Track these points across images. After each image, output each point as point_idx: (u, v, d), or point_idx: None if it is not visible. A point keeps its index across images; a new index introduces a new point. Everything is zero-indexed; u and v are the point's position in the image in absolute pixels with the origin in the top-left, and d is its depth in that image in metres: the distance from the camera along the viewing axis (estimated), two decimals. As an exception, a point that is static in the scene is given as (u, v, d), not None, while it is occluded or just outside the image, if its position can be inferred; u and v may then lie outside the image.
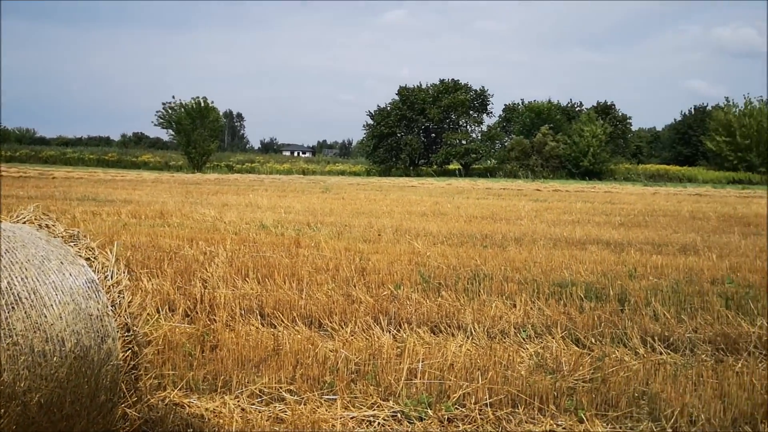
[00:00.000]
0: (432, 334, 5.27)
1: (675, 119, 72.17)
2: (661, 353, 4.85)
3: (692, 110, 68.70)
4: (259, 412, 3.71)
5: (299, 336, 5.03)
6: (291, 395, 3.93)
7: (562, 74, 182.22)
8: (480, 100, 61.09)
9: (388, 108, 60.16)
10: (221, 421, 3.60)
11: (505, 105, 68.00)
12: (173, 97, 60.80)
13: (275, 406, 3.79)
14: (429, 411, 3.75)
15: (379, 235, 10.86)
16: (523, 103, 65.69)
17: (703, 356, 4.78)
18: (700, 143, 60.65)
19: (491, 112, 62.94)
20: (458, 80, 61.26)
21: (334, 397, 3.91)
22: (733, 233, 12.81)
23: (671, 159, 66.25)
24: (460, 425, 3.63)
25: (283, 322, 5.44)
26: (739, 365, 4.51)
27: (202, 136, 56.03)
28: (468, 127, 61.23)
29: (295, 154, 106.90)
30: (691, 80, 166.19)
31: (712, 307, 5.91)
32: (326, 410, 3.75)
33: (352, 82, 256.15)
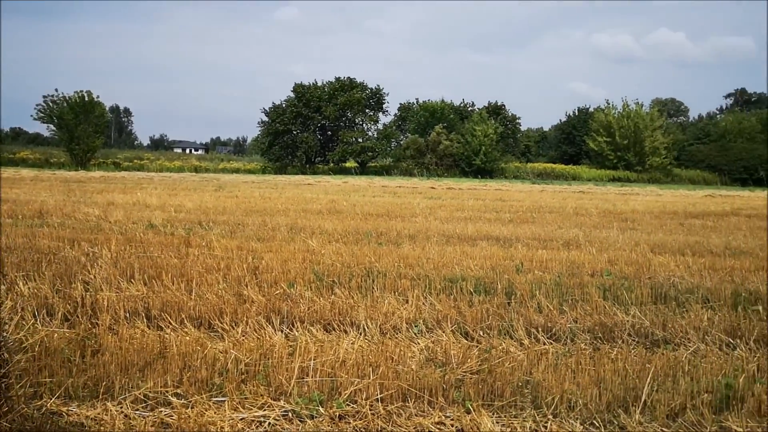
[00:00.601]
0: (325, 332, 5.26)
1: (560, 120, 75.51)
2: (544, 343, 5.06)
3: (576, 112, 72.09)
4: (144, 418, 3.58)
5: (188, 338, 4.89)
6: (178, 399, 3.81)
7: (454, 75, 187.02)
8: (376, 99, 61.58)
9: (284, 105, 59.51)
10: (102, 428, 3.45)
11: (400, 104, 69.00)
12: (56, 90, 57.40)
13: (161, 411, 3.67)
14: (320, 409, 3.74)
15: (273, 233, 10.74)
16: (417, 102, 66.81)
17: (582, 345, 5.03)
18: (583, 143, 63.76)
19: (387, 111, 63.65)
20: (354, 78, 61.54)
21: (222, 398, 3.83)
22: (612, 228, 13.57)
23: (557, 158, 69.29)
24: (351, 422, 3.65)
25: (171, 324, 5.27)
26: (615, 352, 4.78)
27: (86, 132, 53.40)
28: (364, 125, 61.60)
29: (187, 151, 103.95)
30: (574, 83, 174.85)
31: (591, 298, 6.23)
32: (214, 412, 3.67)
33: (244, 79, 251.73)
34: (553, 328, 5.38)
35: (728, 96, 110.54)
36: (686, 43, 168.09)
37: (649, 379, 4.03)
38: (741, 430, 3.53)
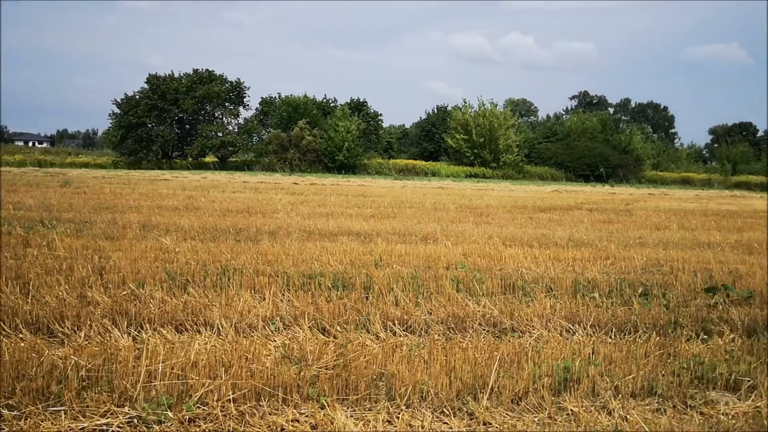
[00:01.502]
0: (177, 333, 5.06)
1: (421, 118, 77.52)
2: (400, 336, 5.16)
3: (435, 110, 74.29)
4: (-33, 435, 3.26)
5: (23, 344, 4.52)
6: (9, 411, 3.51)
7: (317, 70, 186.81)
8: (236, 93, 60.17)
9: (137, 97, 56.65)
10: None
11: (261, 98, 67.79)
12: None
13: (-12, 426, 3.36)
14: (169, 413, 3.58)
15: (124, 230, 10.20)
16: (279, 97, 66.03)
17: (436, 336, 5.17)
18: (442, 140, 65.85)
19: (248, 105, 62.36)
20: (213, 71, 59.79)
21: (60, 408, 3.57)
22: (468, 222, 14.11)
23: (418, 154, 71.08)
24: (202, 424, 3.53)
25: (4, 330, 4.86)
26: (466, 342, 4.96)
27: None
28: (224, 119, 60.03)
29: (30, 144, 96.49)
30: (434, 82, 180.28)
31: (445, 290, 6.43)
32: (51, 423, 3.42)
33: (95, 68, 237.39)
34: (409, 321, 5.49)
35: (573, 98, 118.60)
36: (535, 46, 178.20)
37: (496, 366, 4.21)
38: (576, 409, 3.77)
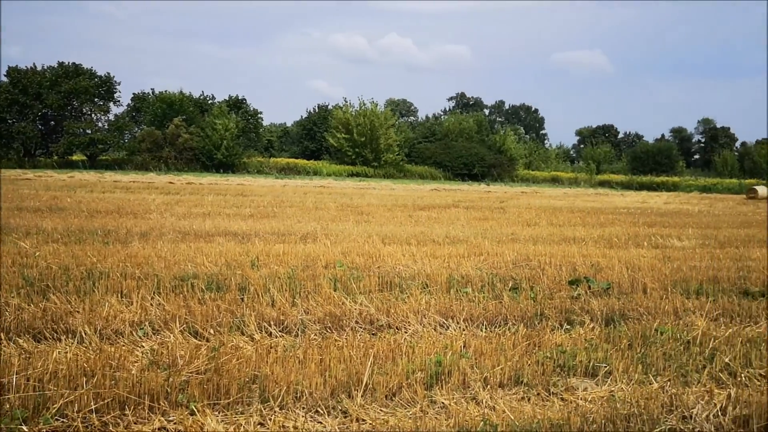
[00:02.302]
0: (35, 342, 4.73)
1: (302, 116, 77.09)
2: (275, 337, 5.09)
3: (316, 108, 74.18)
4: None
5: None
6: None
7: (193, 66, 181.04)
8: (105, 87, 57.31)
9: (-5, 91, 52.67)
10: None
11: (134, 94, 64.98)
12: None
13: None
14: (24, 427, 3.34)
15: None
16: (153, 93, 63.53)
17: (312, 335, 5.14)
18: (324, 139, 65.85)
19: (119, 101, 59.57)
20: (80, 64, 56.65)
21: None
22: (348, 221, 14.18)
23: (299, 153, 70.67)
24: (60, 438, 3.32)
25: None
26: (342, 340, 4.97)
27: None
28: (93, 115, 57.02)
29: None
30: (315, 80, 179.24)
31: (322, 289, 6.41)
32: None
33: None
34: (285, 321, 5.43)
35: (450, 99, 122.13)
36: (413, 48, 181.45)
37: (370, 363, 4.24)
38: (447, 401, 3.87)
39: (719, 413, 3.75)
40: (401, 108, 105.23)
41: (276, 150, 75.00)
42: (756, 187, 43.89)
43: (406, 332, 5.30)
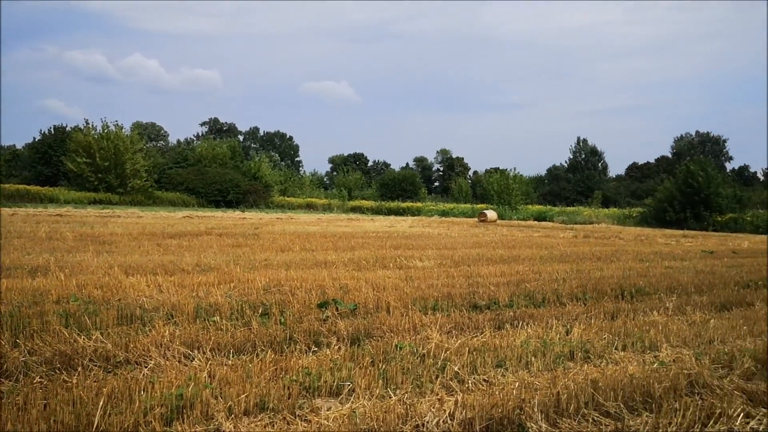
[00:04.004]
0: None
1: (35, 138, 70.11)
2: (-9, 384, 4.49)
3: (52, 130, 68.01)
4: None
5: None
6: None
7: None
8: None
9: None
10: None
11: None
12: None
13: None
14: None
15: None
16: None
17: (37, 378, 4.62)
18: (61, 163, 60.53)
19: None
20: None
21: None
22: (87, 252, 13.08)
23: (32, 179, 64.06)
24: None
25: None
26: (73, 381, 4.53)
27: None
28: None
29: None
30: (49, 99, 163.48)
31: (51, 326, 5.81)
32: None
33: None
34: (5, 365, 4.82)
35: (203, 124, 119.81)
36: (160, 70, 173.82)
37: (102, 403, 3.91)
38: (187, 436, 3.70)
39: (448, 418, 4.05)
40: (150, 132, 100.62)
41: (4, 175, 67.17)
42: (486, 211, 49.08)
43: (146, 367, 4.99)
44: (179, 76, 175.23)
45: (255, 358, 5.32)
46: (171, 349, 5.41)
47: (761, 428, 4.20)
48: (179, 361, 5.21)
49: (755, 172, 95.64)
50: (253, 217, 39.67)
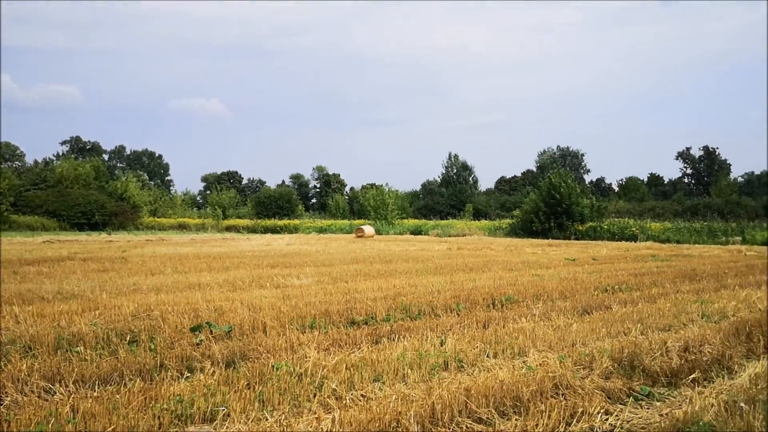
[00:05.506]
0: None
1: None
2: None
3: None
4: None
5: None
6: None
7: None
8: None
9: None
10: None
11: None
12: None
13: None
14: None
15: None
16: None
17: None
18: None
19: None
20: None
21: None
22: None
23: None
24: None
25: None
26: None
27: None
28: None
29: None
30: None
31: None
32: None
33: None
34: None
35: (64, 143, 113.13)
36: (12, 85, 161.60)
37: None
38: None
39: (325, 437, 4.04)
40: (4, 152, 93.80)
41: None
42: (363, 226, 49.56)
43: (1, 404, 4.62)
44: (34, 92, 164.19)
45: (123, 388, 5.07)
46: (29, 384, 5.05)
47: (618, 423, 4.49)
48: (39, 396, 4.87)
49: (610, 184, 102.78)
50: (120, 239, 37.86)
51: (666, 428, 4.30)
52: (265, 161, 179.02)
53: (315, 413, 4.51)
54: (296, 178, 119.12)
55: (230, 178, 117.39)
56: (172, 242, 34.18)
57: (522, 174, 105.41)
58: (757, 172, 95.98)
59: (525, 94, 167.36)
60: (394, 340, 7.08)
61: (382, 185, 75.04)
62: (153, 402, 4.68)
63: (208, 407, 4.53)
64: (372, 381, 5.38)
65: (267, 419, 4.40)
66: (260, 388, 5.02)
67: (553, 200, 45.29)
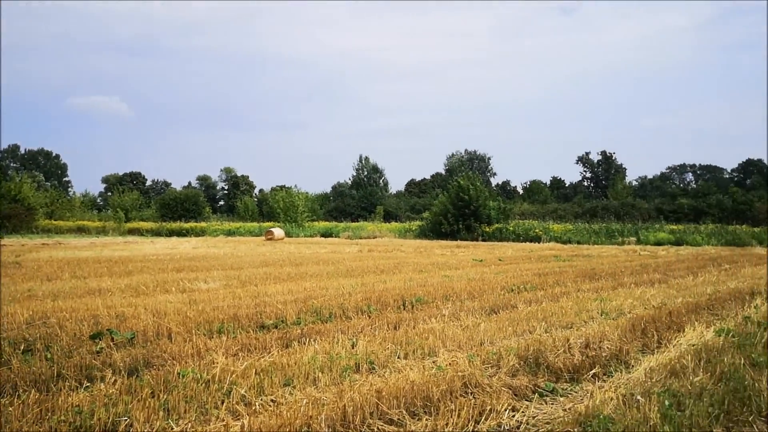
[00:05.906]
0: None
1: None
2: None
3: None
4: None
5: None
6: None
7: None
8: None
9: None
10: None
11: None
12: None
13: None
14: None
15: None
16: None
17: None
18: None
19: None
20: None
21: None
22: None
23: None
24: None
25: None
26: None
27: None
28: None
29: None
30: None
31: None
32: None
33: None
34: None
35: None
36: None
37: None
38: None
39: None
40: None
41: None
42: (273, 229, 48.99)
43: None
44: None
45: (16, 400, 4.77)
46: None
47: (524, 419, 4.61)
48: None
49: (515, 186, 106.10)
50: (13, 243, 35.79)
51: (569, 422, 4.45)
52: (170, 162, 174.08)
53: (223, 420, 4.39)
54: (203, 179, 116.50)
55: (133, 180, 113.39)
56: (71, 246, 32.63)
57: (431, 177, 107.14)
58: (650, 176, 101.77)
59: (432, 99, 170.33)
60: (304, 343, 7.01)
61: (291, 187, 74.46)
62: (49, 414, 4.42)
63: (109, 418, 4.32)
64: (282, 385, 5.30)
65: (173, 428, 4.25)
66: (165, 396, 4.84)
67: (461, 202, 46.26)
